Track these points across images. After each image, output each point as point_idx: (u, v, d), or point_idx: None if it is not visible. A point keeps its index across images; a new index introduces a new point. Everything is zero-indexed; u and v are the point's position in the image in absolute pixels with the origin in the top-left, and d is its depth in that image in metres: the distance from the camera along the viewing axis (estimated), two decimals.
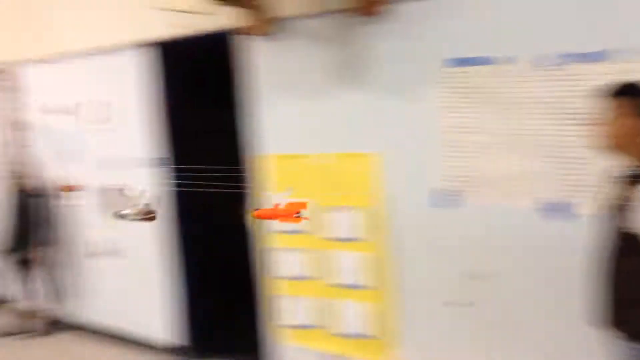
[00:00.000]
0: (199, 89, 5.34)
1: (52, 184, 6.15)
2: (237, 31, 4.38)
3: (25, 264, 6.14)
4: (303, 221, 4.15)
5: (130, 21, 5.14)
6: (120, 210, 5.46)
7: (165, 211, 5.26)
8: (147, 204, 5.34)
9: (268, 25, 4.22)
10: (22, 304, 6.27)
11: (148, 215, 5.34)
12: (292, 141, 4.27)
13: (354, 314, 4.11)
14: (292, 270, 4.35)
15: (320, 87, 4.08)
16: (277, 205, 4.25)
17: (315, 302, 4.27)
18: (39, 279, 6.18)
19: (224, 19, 4.44)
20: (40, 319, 6.19)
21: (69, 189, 6.09)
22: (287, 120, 4.27)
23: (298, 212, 4.15)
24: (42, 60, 6.06)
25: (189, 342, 5.39)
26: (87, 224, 5.93)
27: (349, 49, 3.93)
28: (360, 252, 4.03)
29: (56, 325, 6.24)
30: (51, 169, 6.16)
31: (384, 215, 3.91)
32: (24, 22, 6.11)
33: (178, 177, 5.20)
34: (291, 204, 4.18)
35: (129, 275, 5.65)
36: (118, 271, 5.73)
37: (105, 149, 5.62)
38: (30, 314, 6.24)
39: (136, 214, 5.39)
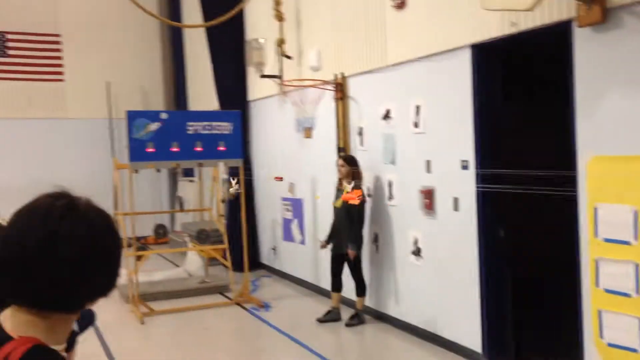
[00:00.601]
0: (523, 86, 5.21)
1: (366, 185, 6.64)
2: (569, 23, 4.14)
3: (340, 259, 6.68)
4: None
5: (456, 25, 5.25)
6: None
7: (478, 214, 5.20)
8: None
9: (602, 14, 3.88)
10: (335, 296, 6.83)
11: None
12: (629, 141, 3.83)
13: None
14: (617, 283, 3.87)
15: None
16: None
17: None
18: (352, 273, 6.67)
19: (554, 12, 4.24)
20: (357, 309, 6.66)
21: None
22: (625, 119, 3.85)
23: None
24: (369, 71, 6.60)
25: (499, 351, 5.21)
26: (406, 224, 6.20)
27: None
28: None
29: (363, 317, 6.67)
30: (375, 171, 6.63)
31: None
32: (357, 39, 6.73)
33: (491, 178, 5.09)
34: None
35: (440, 276, 5.72)
36: (430, 271, 5.86)
37: (422, 151, 5.82)
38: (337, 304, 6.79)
39: None
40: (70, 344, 1.56)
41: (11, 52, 11.91)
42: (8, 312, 1.30)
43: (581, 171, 4.17)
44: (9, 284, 1.26)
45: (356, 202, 6.38)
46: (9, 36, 11.86)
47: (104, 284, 1.33)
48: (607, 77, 3.98)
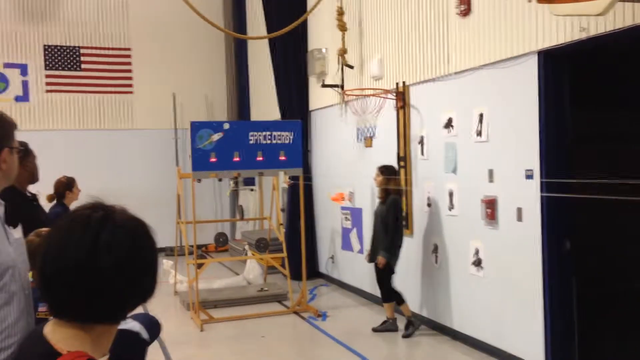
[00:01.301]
0: (592, 93, 5.03)
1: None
2: None
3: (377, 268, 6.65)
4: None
5: (523, 31, 5.13)
6: None
7: (542, 225, 5.03)
8: None
9: None
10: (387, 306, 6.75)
11: None
12: None
13: None
14: None
15: None
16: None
17: None
18: (377, 281, 6.68)
19: (627, 15, 4.07)
20: (407, 317, 6.57)
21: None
22: None
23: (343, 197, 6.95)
24: (431, 80, 6.53)
25: None
26: (467, 234, 6.07)
27: None
28: None
29: (416, 323, 6.59)
30: (436, 181, 6.53)
31: None
32: (419, 47, 6.68)
33: (557, 188, 4.92)
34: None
35: (502, 288, 5.56)
36: (491, 282, 5.71)
37: (485, 160, 5.69)
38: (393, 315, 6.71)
39: None
40: (141, 355, 1.59)
41: (85, 66, 12.46)
42: (50, 326, 1.30)
43: None
44: (53, 299, 1.27)
45: (341, 204, 6.61)
46: (83, 50, 12.41)
47: (145, 290, 1.34)
48: None
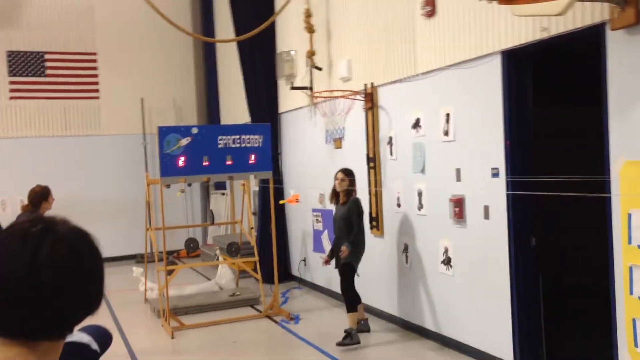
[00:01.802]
0: (555, 91, 5.12)
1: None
2: (602, 26, 4.05)
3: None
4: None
5: (487, 32, 5.20)
6: None
7: (509, 222, 5.09)
8: None
9: (636, 16, 3.79)
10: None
11: None
12: None
13: None
14: None
15: None
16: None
17: None
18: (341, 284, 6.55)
19: (586, 15, 4.16)
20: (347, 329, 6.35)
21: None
22: None
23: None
24: (399, 80, 6.57)
25: None
26: (436, 233, 6.12)
27: None
28: None
29: (356, 337, 6.41)
30: (404, 181, 6.57)
31: None
32: (386, 48, 6.72)
33: (522, 186, 4.99)
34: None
35: (471, 285, 5.62)
36: (461, 280, 5.76)
37: (452, 160, 5.75)
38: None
39: None
40: None
41: (49, 71, 12.25)
42: None
43: (614, 176, 4.05)
44: None
45: (293, 204, 6.56)
46: (47, 56, 12.20)
47: (91, 302, 1.29)
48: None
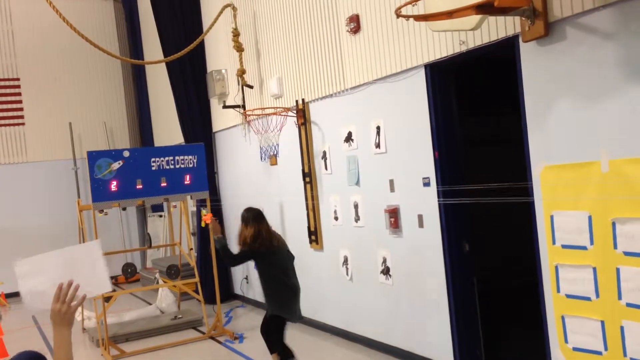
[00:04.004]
0: (479, 101, 5.33)
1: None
2: (515, 38, 4.27)
3: None
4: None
5: (409, 46, 5.37)
6: None
7: (442, 230, 5.25)
8: None
9: (545, 28, 4.02)
10: None
11: None
12: (578, 149, 3.92)
13: None
14: (577, 288, 3.93)
15: (608, 87, 3.70)
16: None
17: (604, 324, 3.78)
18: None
19: (499, 29, 4.38)
20: None
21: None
22: (572, 126, 3.96)
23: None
24: (329, 96, 6.69)
25: None
26: (374, 244, 6.22)
27: (638, 40, 3.52)
28: None
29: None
30: (341, 194, 6.67)
31: None
32: (315, 65, 6.83)
33: (453, 194, 5.17)
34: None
35: (410, 293, 5.74)
36: (400, 289, 5.88)
37: (385, 171, 5.88)
38: None
39: None
40: None
41: None
42: None
43: (535, 181, 4.25)
44: None
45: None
46: None
47: None
48: (553, 88, 4.09)
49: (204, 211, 7.24)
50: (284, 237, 7.92)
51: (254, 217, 5.60)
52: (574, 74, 3.94)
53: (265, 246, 5.48)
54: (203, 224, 6.65)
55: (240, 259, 5.69)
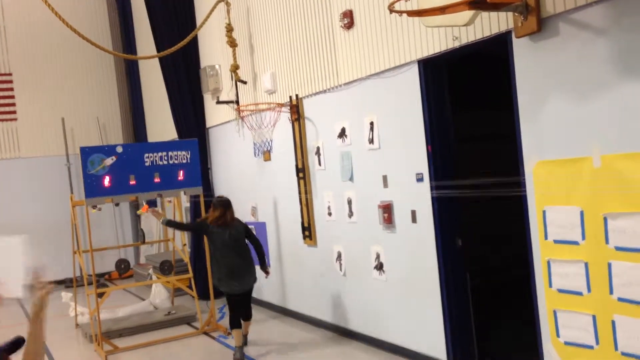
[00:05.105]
0: (472, 96, 5.34)
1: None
2: (508, 34, 4.28)
3: None
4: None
5: (403, 42, 5.37)
6: None
7: (435, 225, 5.27)
8: None
9: (538, 24, 4.03)
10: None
11: None
12: (571, 144, 3.94)
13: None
14: (569, 283, 3.95)
15: (601, 82, 3.72)
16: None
17: (595, 318, 3.80)
18: None
19: (492, 25, 4.38)
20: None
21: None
22: (565, 122, 3.98)
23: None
24: (322, 91, 6.68)
25: (464, 358, 5.25)
26: (367, 240, 6.24)
27: (630, 36, 3.53)
28: None
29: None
30: (334, 190, 6.67)
31: None
32: (309, 60, 6.83)
33: (446, 189, 5.18)
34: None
35: (404, 289, 5.76)
36: (393, 284, 5.89)
37: (378, 167, 5.89)
38: None
39: None
40: None
41: None
42: None
43: (528, 176, 4.27)
44: None
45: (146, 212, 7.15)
46: None
47: None
48: (546, 84, 4.11)
49: (143, 202, 7.71)
50: (278, 233, 7.95)
51: (222, 203, 6.63)
52: (566, 70, 3.96)
53: (215, 225, 6.47)
54: (139, 213, 7.79)
55: (185, 226, 7.64)
